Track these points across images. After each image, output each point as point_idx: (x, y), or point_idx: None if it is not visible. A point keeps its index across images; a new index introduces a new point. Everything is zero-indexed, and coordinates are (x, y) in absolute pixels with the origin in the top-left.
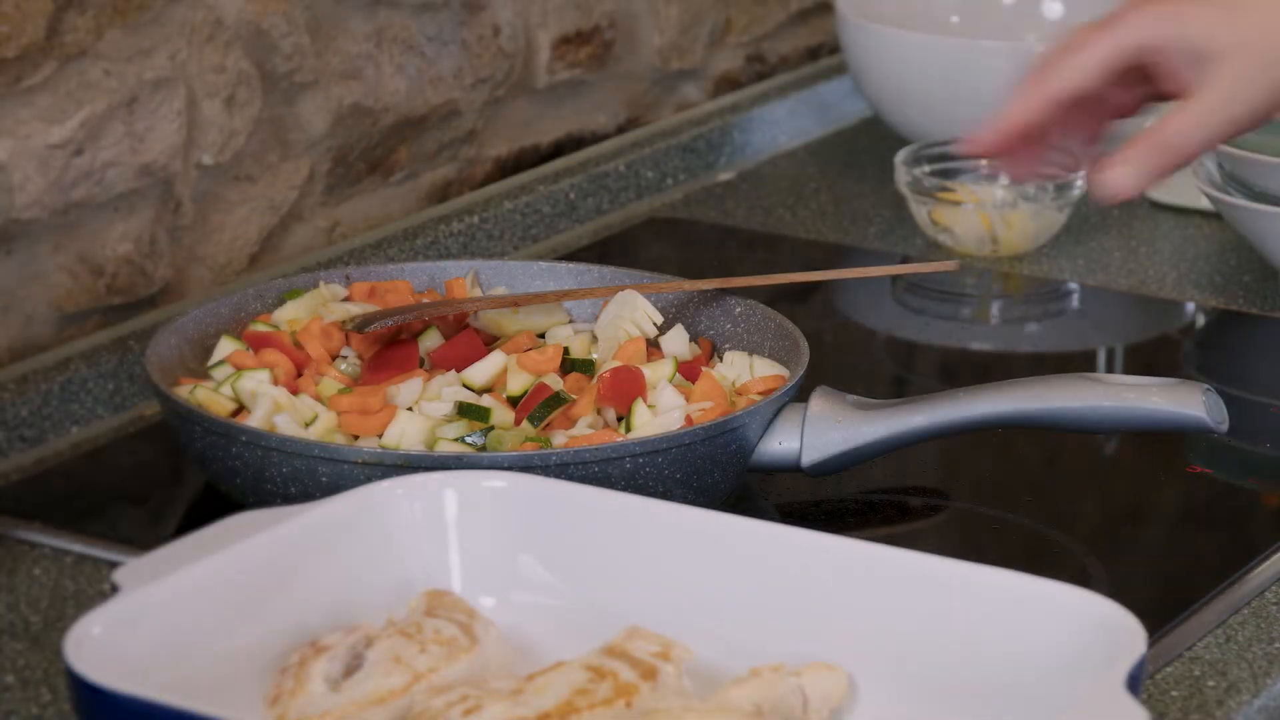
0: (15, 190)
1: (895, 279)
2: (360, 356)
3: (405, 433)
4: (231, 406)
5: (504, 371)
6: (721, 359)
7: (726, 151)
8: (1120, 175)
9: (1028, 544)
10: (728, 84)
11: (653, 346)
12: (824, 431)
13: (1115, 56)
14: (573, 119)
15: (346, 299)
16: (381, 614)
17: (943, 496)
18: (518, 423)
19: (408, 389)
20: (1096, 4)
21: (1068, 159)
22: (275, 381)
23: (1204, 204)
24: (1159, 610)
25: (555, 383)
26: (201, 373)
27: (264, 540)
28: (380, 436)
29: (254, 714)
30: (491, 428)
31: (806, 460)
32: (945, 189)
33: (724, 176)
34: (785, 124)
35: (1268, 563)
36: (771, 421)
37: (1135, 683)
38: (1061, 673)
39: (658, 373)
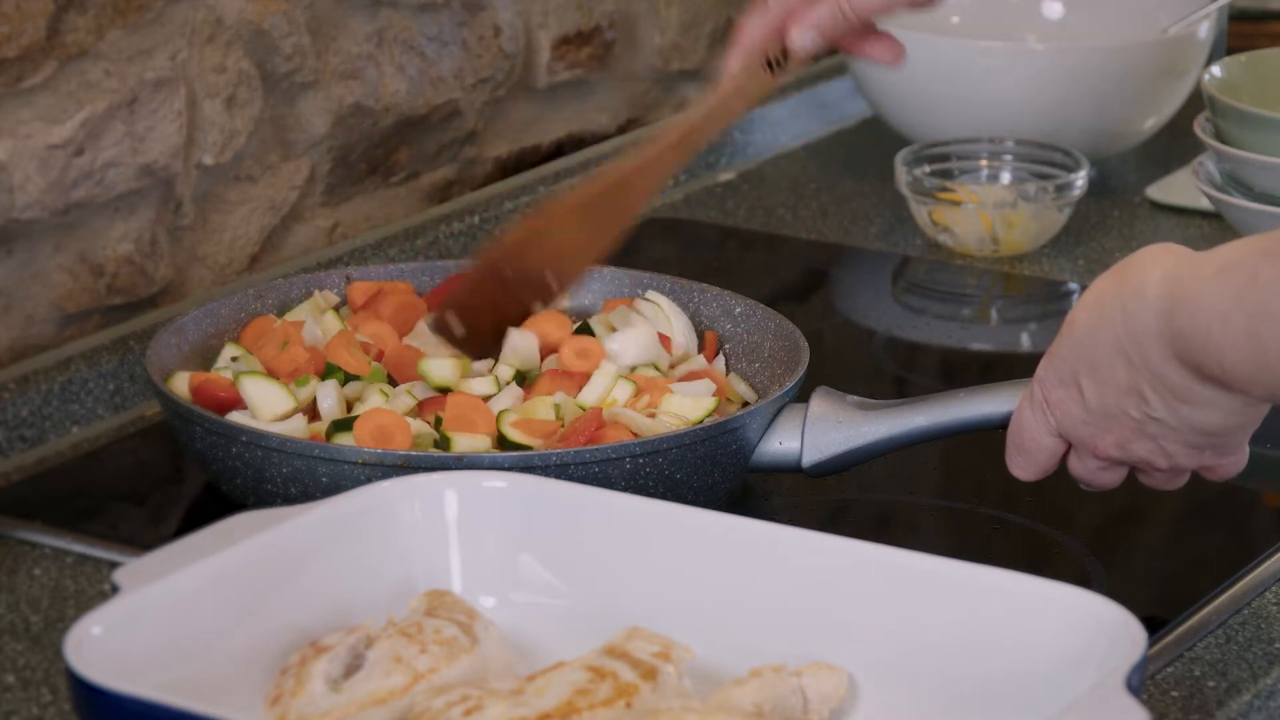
0: (16, 190)
1: (896, 279)
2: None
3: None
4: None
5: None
6: (725, 355)
7: (727, 152)
8: (800, 35)
9: (1028, 544)
10: None
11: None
12: (824, 432)
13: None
14: (573, 119)
15: (342, 305)
16: (382, 614)
17: (943, 496)
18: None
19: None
20: (1096, 4)
21: None
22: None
23: (1204, 204)
24: (1159, 610)
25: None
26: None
27: (264, 540)
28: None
29: (254, 714)
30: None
31: (807, 461)
32: (946, 189)
33: (724, 177)
34: (786, 124)
35: (1268, 563)
36: (772, 422)
37: (1135, 683)
38: (1061, 673)
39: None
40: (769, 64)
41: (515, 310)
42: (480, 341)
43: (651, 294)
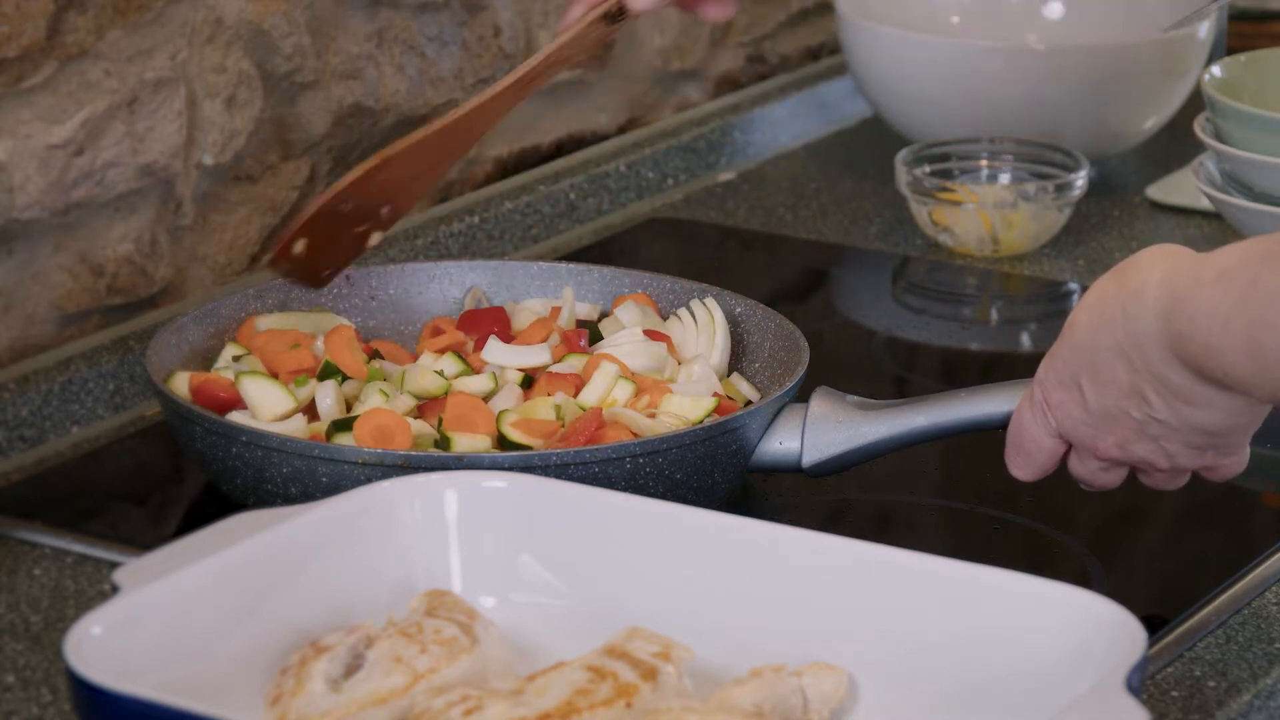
0: (16, 190)
1: (896, 279)
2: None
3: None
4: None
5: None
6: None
7: (727, 152)
8: None
9: (1028, 544)
10: (728, 84)
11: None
12: (825, 432)
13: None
14: (573, 119)
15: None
16: (382, 614)
17: (943, 496)
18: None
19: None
20: (1096, 4)
21: None
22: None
23: (1204, 204)
24: (1159, 610)
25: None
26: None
27: (264, 540)
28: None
29: (254, 714)
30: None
31: (807, 460)
32: (945, 189)
33: (724, 177)
34: (786, 124)
35: (1268, 563)
36: (772, 422)
37: (1135, 683)
38: (1061, 673)
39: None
40: (607, 16)
41: (352, 242)
42: (317, 274)
43: (710, 301)
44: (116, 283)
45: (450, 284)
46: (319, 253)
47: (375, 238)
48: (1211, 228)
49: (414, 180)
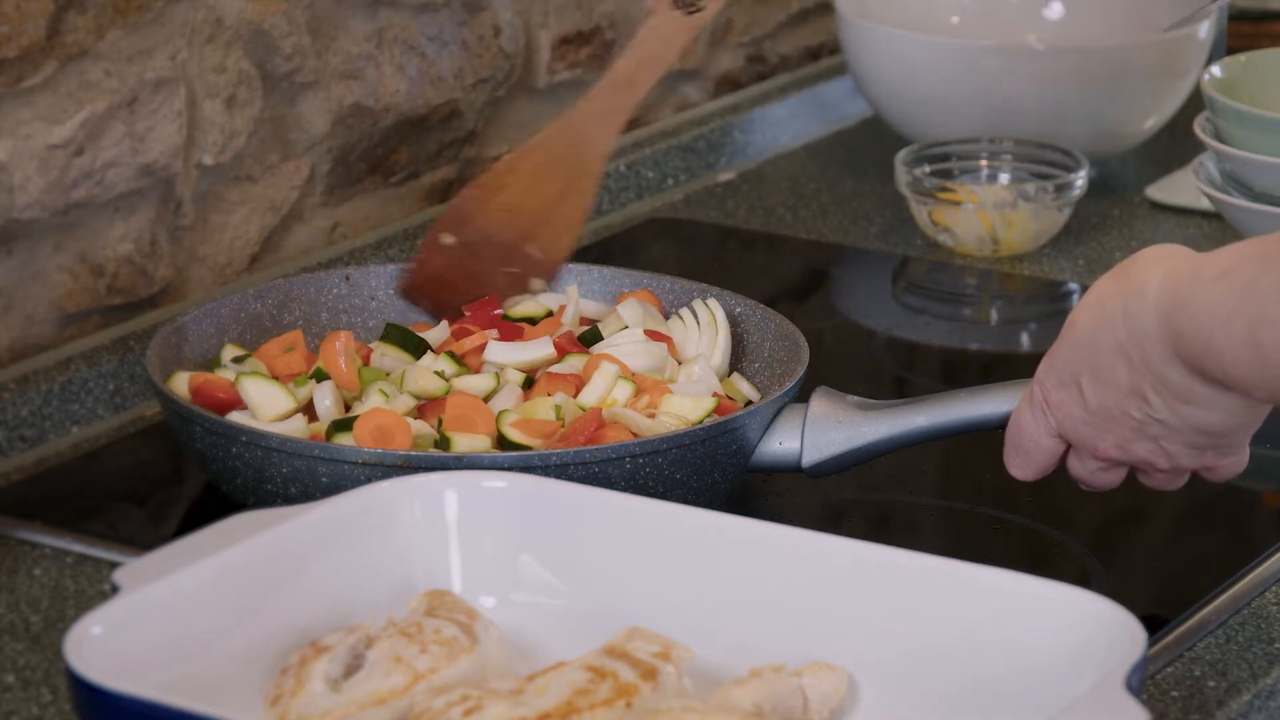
0: (16, 190)
1: (895, 279)
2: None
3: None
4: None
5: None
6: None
7: (727, 152)
8: None
9: (1028, 544)
10: (728, 84)
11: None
12: (824, 432)
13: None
14: None
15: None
16: (382, 614)
17: (943, 496)
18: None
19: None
20: (1096, 4)
21: None
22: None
23: (1204, 204)
24: (1159, 610)
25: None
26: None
27: (264, 540)
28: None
29: (254, 714)
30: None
31: (807, 461)
32: (945, 189)
33: (724, 177)
34: (786, 124)
35: (1268, 563)
36: (772, 422)
37: (1135, 683)
38: (1061, 673)
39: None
40: (680, 4)
41: (505, 281)
42: (454, 305)
43: (711, 302)
44: (116, 283)
45: None
46: (455, 284)
47: (537, 284)
48: (1211, 228)
49: (551, 212)
